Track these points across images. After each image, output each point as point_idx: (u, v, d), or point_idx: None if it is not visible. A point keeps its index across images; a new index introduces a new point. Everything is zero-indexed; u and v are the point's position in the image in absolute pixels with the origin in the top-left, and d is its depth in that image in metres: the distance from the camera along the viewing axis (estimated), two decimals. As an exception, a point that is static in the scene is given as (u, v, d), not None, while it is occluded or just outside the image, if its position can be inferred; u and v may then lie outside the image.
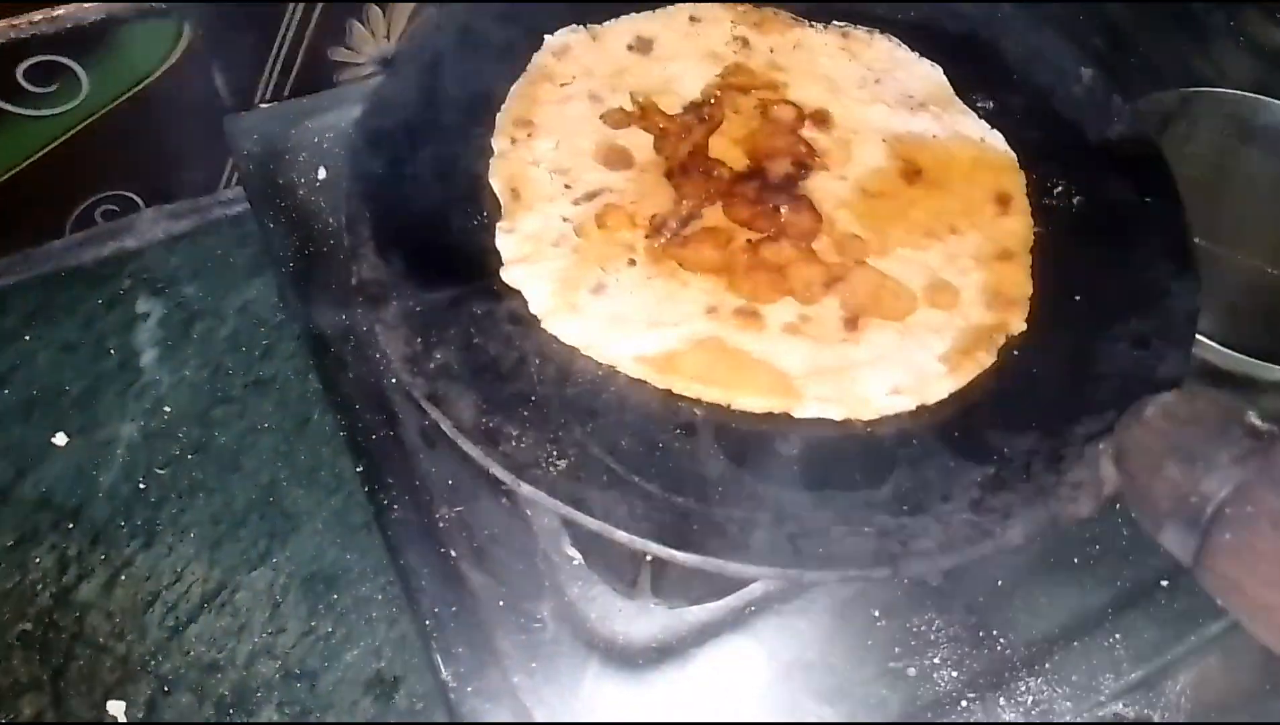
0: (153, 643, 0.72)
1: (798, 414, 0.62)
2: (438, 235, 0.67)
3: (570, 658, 0.63)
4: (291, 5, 0.83)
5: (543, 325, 0.64)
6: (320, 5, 0.83)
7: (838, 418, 0.62)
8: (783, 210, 0.71)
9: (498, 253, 0.66)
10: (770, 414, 0.62)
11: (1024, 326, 0.66)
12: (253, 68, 0.85)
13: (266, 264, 0.89)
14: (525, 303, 0.64)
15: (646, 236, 0.68)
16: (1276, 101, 0.92)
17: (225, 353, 0.86)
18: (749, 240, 0.69)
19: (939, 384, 0.63)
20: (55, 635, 0.72)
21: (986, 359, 0.64)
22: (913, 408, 0.63)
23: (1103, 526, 0.71)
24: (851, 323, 0.66)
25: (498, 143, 0.71)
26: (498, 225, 0.67)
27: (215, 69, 0.83)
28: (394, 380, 0.70)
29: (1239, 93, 0.92)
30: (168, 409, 0.82)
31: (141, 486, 0.79)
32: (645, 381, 0.62)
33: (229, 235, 0.92)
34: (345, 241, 0.63)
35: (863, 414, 0.62)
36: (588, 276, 0.66)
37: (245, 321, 0.87)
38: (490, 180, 0.69)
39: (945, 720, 0.64)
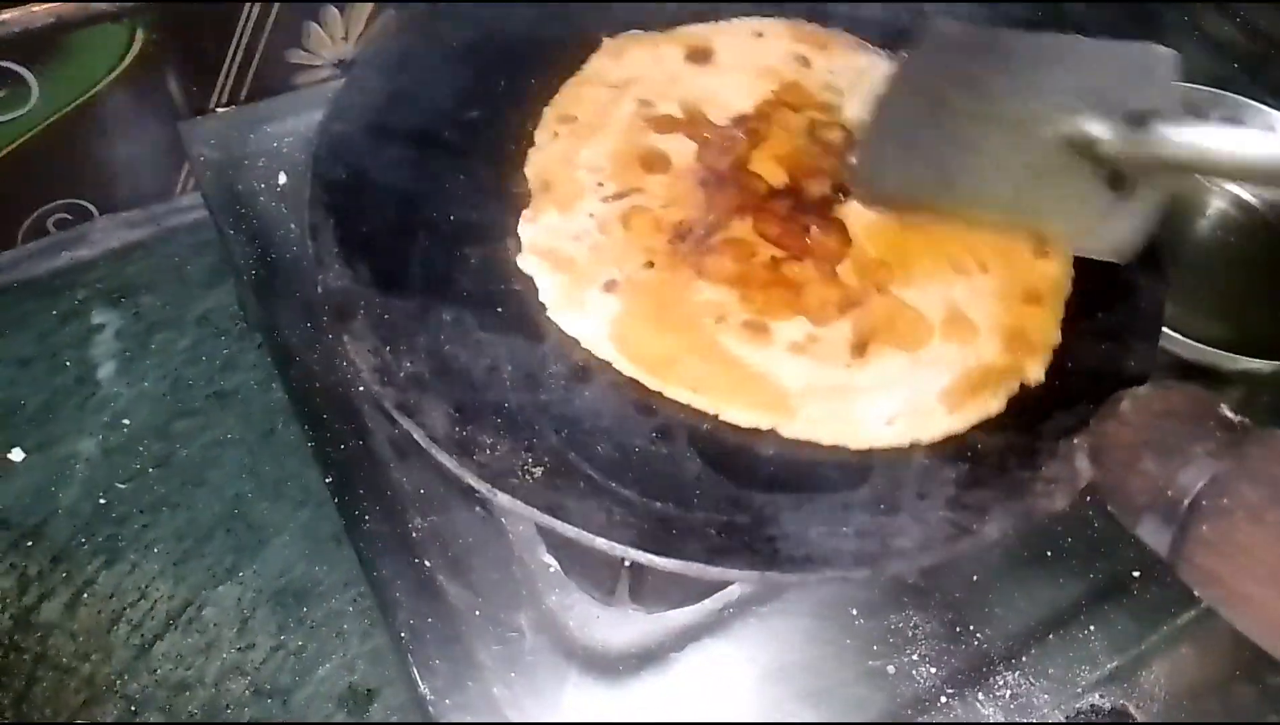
0: (119, 662, 0.71)
1: (785, 433, 0.61)
2: (404, 243, 0.66)
3: (550, 667, 0.63)
4: (246, 7, 0.81)
5: (548, 314, 0.64)
6: (276, 7, 0.82)
7: (825, 443, 0.61)
8: (812, 230, 0.69)
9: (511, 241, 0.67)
10: (756, 429, 0.61)
11: (1042, 377, 0.64)
12: (207, 72, 0.84)
13: (225, 273, 0.88)
14: (518, 299, 0.64)
15: (669, 242, 0.68)
16: (1232, 96, 0.93)
17: (185, 364, 0.84)
18: (772, 257, 0.68)
19: (938, 422, 0.62)
20: (17, 658, 0.70)
21: (995, 405, 0.63)
22: (906, 444, 0.61)
23: (1075, 520, 0.71)
24: (859, 348, 0.64)
25: (539, 135, 0.72)
26: (522, 213, 0.68)
27: (168, 74, 0.82)
28: (362, 389, 0.69)
29: (1200, 87, 0.93)
30: (127, 423, 0.81)
31: (103, 502, 0.77)
32: (631, 383, 0.62)
33: (186, 243, 0.90)
34: (310, 249, 0.62)
35: (850, 442, 0.61)
36: (601, 273, 0.65)
37: (205, 332, 0.86)
38: (525, 170, 0.70)
39: (925, 719, 0.65)
